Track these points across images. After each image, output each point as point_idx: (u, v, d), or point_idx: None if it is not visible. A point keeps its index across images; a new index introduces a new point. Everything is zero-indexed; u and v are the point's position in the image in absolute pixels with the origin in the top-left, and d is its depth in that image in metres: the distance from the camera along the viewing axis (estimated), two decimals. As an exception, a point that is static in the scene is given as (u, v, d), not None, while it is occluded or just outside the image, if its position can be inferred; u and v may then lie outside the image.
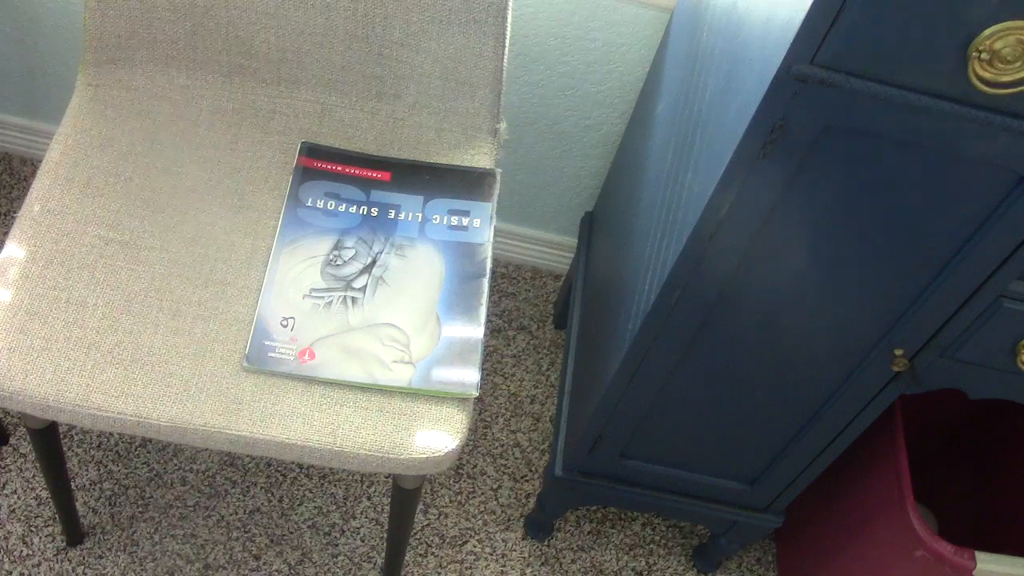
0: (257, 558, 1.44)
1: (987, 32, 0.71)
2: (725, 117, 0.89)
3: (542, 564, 1.52)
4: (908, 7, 0.71)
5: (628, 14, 1.34)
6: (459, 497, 1.55)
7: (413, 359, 1.03)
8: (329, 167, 1.16)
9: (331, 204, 1.13)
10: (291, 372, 1.01)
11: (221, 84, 1.19)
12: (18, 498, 1.42)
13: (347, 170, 1.16)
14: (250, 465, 1.51)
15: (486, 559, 1.51)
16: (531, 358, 1.70)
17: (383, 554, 1.47)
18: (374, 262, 1.10)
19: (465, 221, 1.14)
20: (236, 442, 0.99)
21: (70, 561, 1.38)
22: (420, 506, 1.52)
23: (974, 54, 0.72)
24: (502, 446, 1.61)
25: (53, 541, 1.40)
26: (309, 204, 1.13)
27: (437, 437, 1.00)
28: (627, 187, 1.33)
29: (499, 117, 1.22)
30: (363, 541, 1.48)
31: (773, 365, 1.09)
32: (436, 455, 1.00)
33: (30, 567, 1.37)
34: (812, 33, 0.74)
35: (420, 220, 1.14)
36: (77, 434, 1.49)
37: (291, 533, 1.46)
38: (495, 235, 1.37)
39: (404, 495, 1.15)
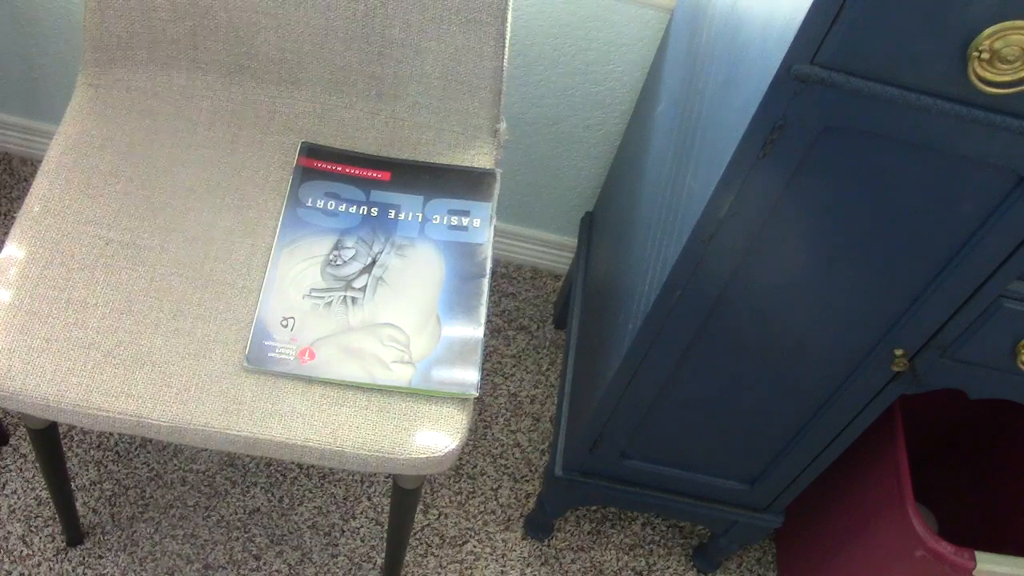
0: (257, 558, 1.44)
1: (987, 32, 0.71)
2: (725, 117, 0.89)
3: (542, 564, 1.52)
4: (908, 7, 0.71)
5: (628, 14, 1.34)
6: (459, 497, 1.55)
7: (413, 359, 1.03)
8: (329, 167, 1.16)
9: (331, 204, 1.13)
10: (291, 372, 1.01)
11: (221, 84, 1.19)
12: (18, 498, 1.42)
13: (347, 170, 1.16)
14: (250, 465, 1.51)
15: (486, 559, 1.51)
16: (531, 358, 1.70)
17: (383, 554, 1.47)
18: (374, 262, 1.10)
19: (465, 221, 1.14)
20: (236, 442, 0.99)
21: (70, 561, 1.39)
22: (420, 506, 1.52)
23: (974, 54, 0.72)
24: (502, 446, 1.61)
25: (53, 541, 1.40)
26: (309, 204, 1.13)
27: (437, 437, 1.00)
28: (627, 187, 1.33)
29: (499, 117, 1.22)
30: (363, 541, 1.48)
31: (773, 365, 1.09)
32: (436, 455, 1.00)
33: (30, 567, 1.37)
34: (812, 33, 0.74)
35: (420, 220, 1.14)
36: (77, 434, 1.49)
37: (291, 533, 1.46)
38: (495, 235, 1.37)
39: (404, 495, 1.15)
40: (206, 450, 1.50)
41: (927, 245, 0.91)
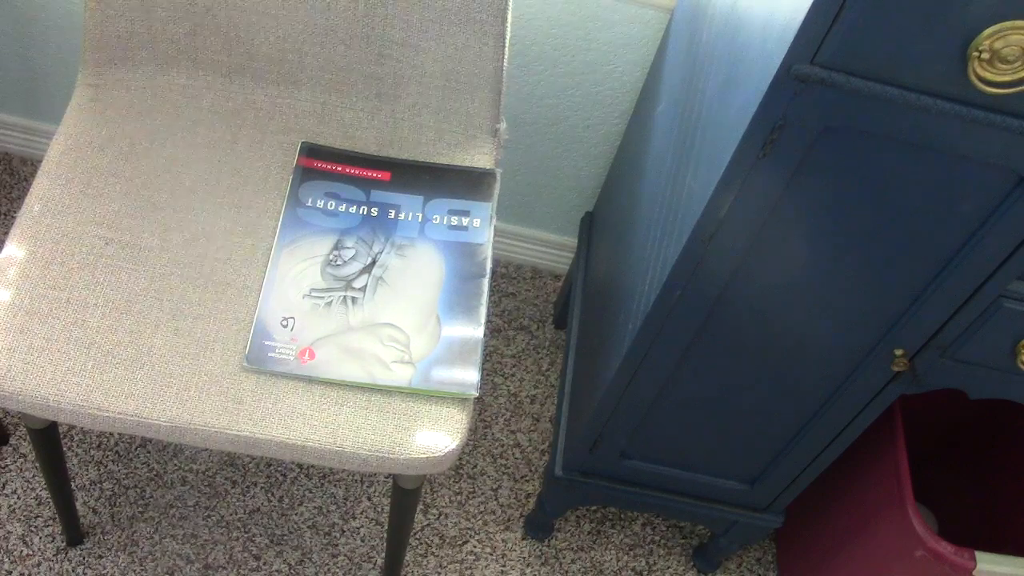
0: (257, 558, 1.44)
1: (987, 32, 0.71)
2: (725, 117, 0.89)
3: (542, 564, 1.52)
4: (908, 7, 0.71)
5: (628, 14, 1.34)
6: (459, 497, 1.55)
7: (413, 359, 1.03)
8: (329, 167, 1.16)
9: (331, 204, 1.13)
10: (291, 372, 1.01)
11: (221, 84, 1.19)
12: (18, 498, 1.42)
13: (347, 170, 1.16)
14: (250, 465, 1.51)
15: (486, 559, 1.51)
16: (531, 358, 1.70)
17: (383, 554, 1.47)
18: (374, 262, 1.10)
19: (465, 221, 1.14)
20: (236, 442, 0.99)
21: (70, 561, 1.39)
22: (420, 506, 1.52)
23: (974, 54, 0.72)
24: (502, 446, 1.61)
25: (53, 541, 1.40)
26: (309, 204, 1.13)
27: (437, 437, 1.00)
28: (627, 187, 1.33)
29: (499, 117, 1.22)
30: (363, 541, 1.48)
31: (773, 365, 1.09)
32: (436, 455, 1.00)
33: (30, 567, 1.37)
34: (812, 33, 0.74)
35: (420, 220, 1.14)
36: (77, 434, 1.49)
37: (291, 533, 1.46)
38: (495, 235, 1.37)
39: (404, 495, 1.15)
40: (206, 450, 1.50)
41: (927, 245, 0.91)
